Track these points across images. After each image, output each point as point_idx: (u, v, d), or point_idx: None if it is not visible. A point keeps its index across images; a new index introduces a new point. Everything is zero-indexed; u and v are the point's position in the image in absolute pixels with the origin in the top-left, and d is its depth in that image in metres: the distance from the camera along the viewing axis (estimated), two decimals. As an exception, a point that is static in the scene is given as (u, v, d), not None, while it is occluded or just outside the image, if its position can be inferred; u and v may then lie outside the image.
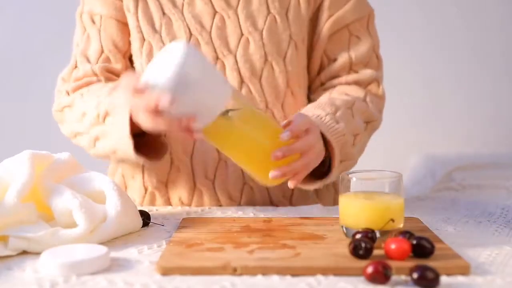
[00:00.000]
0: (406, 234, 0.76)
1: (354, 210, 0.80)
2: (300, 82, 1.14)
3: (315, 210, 1.03)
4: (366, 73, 1.13)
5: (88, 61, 1.12)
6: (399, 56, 2.11)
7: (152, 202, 1.14)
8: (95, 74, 1.10)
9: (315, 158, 0.92)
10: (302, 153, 0.89)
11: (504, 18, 2.36)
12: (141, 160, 0.97)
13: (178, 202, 1.13)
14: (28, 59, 2.19)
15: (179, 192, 1.13)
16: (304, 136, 0.89)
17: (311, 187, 0.99)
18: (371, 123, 1.09)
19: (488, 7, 2.35)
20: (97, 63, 1.11)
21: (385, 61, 1.19)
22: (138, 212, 0.91)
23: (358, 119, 1.04)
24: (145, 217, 0.92)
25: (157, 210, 1.06)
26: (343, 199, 0.82)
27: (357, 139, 1.03)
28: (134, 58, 1.14)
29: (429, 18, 2.35)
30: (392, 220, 0.78)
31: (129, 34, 1.12)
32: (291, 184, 0.90)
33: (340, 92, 1.09)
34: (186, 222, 0.92)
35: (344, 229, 0.82)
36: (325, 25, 1.12)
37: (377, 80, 1.13)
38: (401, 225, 0.81)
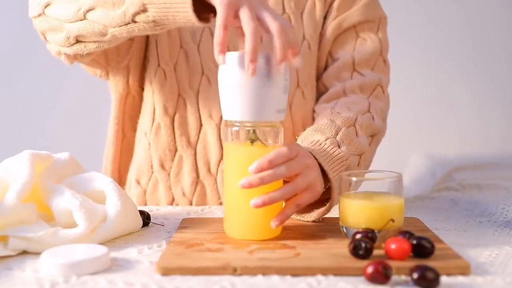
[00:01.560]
0: (406, 234, 0.76)
1: (354, 210, 0.80)
2: (311, 83, 1.14)
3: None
4: (370, 76, 1.10)
5: None
6: (399, 55, 2.11)
7: (155, 186, 1.15)
8: None
9: (308, 197, 0.83)
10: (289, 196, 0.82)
11: (507, 17, 2.36)
12: (193, 15, 0.81)
13: (180, 193, 1.13)
14: (26, 59, 2.19)
15: (181, 184, 1.13)
16: (291, 180, 0.81)
17: (310, 217, 0.90)
18: (376, 136, 1.04)
19: (489, 5, 2.35)
20: None
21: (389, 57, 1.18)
22: (138, 212, 0.91)
23: (362, 135, 0.98)
24: (145, 217, 0.92)
25: (157, 210, 1.06)
26: (343, 199, 0.82)
27: (363, 157, 0.96)
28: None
29: (430, 19, 2.35)
30: (392, 220, 0.78)
31: None
32: (273, 224, 0.80)
33: (342, 107, 1.04)
34: (186, 222, 0.92)
35: (344, 229, 0.82)
36: (331, 25, 1.13)
37: (382, 86, 1.11)
38: (401, 225, 0.81)
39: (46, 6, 0.95)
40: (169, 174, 1.14)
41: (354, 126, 0.98)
